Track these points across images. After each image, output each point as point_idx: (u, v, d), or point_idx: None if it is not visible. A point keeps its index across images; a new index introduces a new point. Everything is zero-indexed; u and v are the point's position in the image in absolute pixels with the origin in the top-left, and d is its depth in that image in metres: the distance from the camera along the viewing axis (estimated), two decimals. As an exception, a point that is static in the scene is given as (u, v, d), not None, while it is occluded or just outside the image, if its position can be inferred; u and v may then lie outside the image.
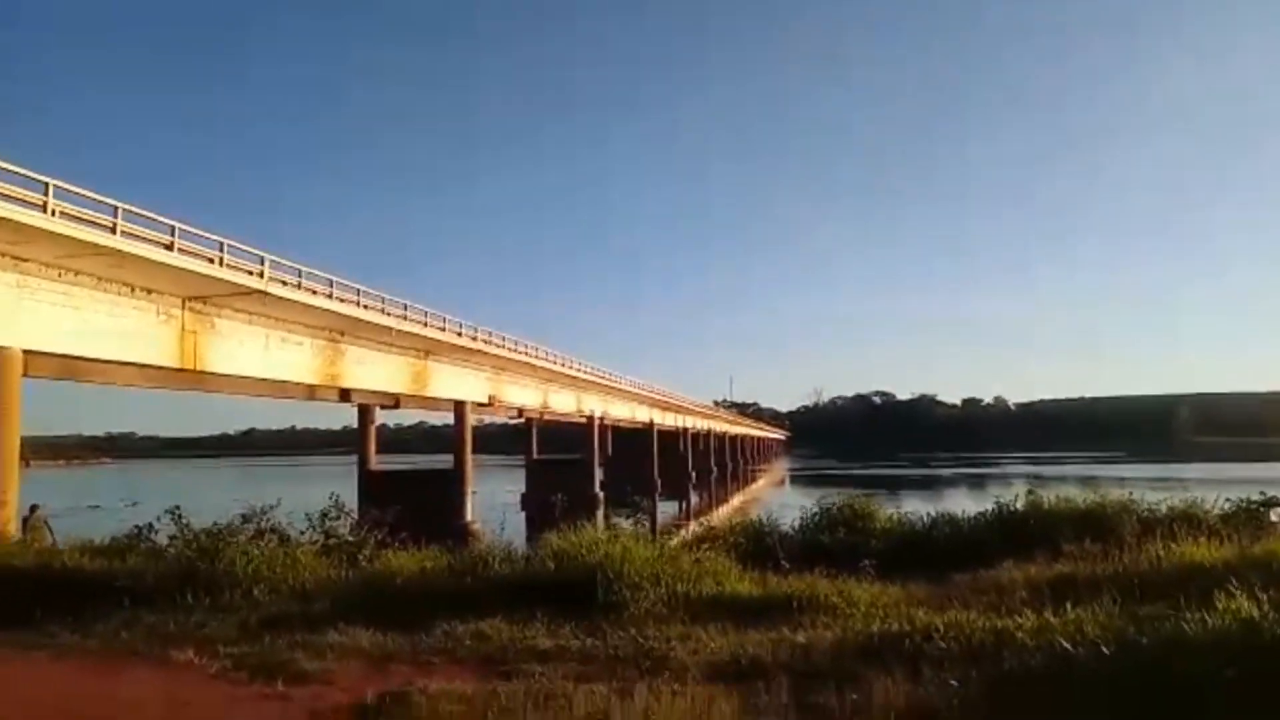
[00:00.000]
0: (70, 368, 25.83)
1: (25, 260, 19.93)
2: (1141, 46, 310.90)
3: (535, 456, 67.55)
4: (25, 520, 18.69)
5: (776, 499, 70.54)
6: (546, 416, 62.04)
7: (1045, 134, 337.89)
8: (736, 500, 77.62)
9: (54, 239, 18.86)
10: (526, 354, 46.00)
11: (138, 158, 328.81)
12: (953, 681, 5.57)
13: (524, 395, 52.48)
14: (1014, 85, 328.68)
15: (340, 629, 7.78)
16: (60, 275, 20.96)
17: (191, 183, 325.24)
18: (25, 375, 22.99)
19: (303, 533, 11.66)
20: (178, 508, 10.90)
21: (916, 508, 15.81)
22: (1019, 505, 13.45)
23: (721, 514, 62.35)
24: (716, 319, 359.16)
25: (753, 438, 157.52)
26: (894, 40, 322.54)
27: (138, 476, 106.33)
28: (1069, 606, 6.84)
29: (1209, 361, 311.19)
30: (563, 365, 52.21)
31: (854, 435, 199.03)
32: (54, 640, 7.94)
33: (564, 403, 60.08)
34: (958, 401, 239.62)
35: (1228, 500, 13.37)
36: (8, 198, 17.87)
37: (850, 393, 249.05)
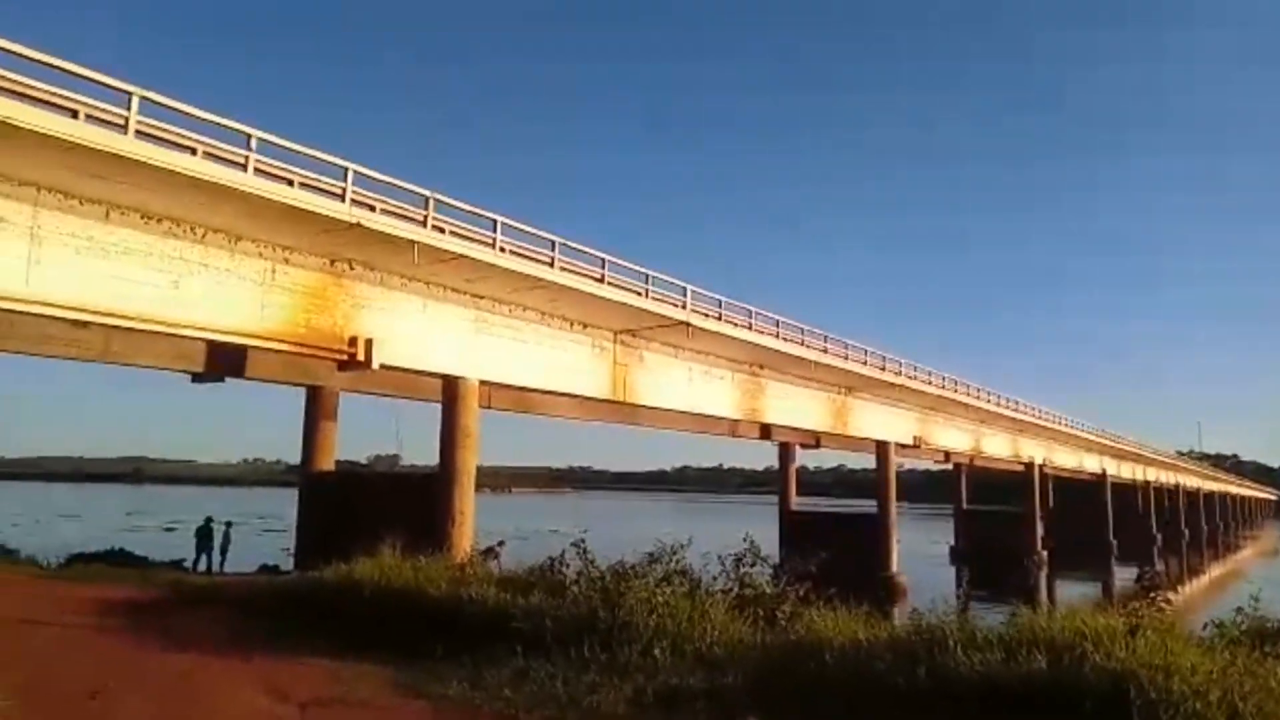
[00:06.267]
0: (523, 401, 28.09)
1: (481, 297, 21.60)
2: None
3: (965, 506, 61.67)
4: (488, 549, 19.68)
5: (1270, 574, 56.21)
6: (977, 462, 56.34)
7: None
8: (1214, 571, 63.62)
9: (504, 275, 20.08)
10: (957, 392, 41.79)
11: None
12: None
13: (953, 437, 47.95)
14: None
15: (753, 724, 5.85)
16: (510, 311, 22.46)
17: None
18: (489, 408, 25.23)
19: (714, 578, 10.07)
20: (583, 541, 9.92)
21: None
22: None
23: (1196, 587, 51.22)
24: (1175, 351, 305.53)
25: (1232, 496, 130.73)
26: None
27: (590, 504, 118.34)
28: None
29: None
30: (999, 405, 46.79)
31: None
32: (443, 688, 7.12)
33: (998, 447, 54.00)
34: None
35: None
36: (466, 238, 19.35)
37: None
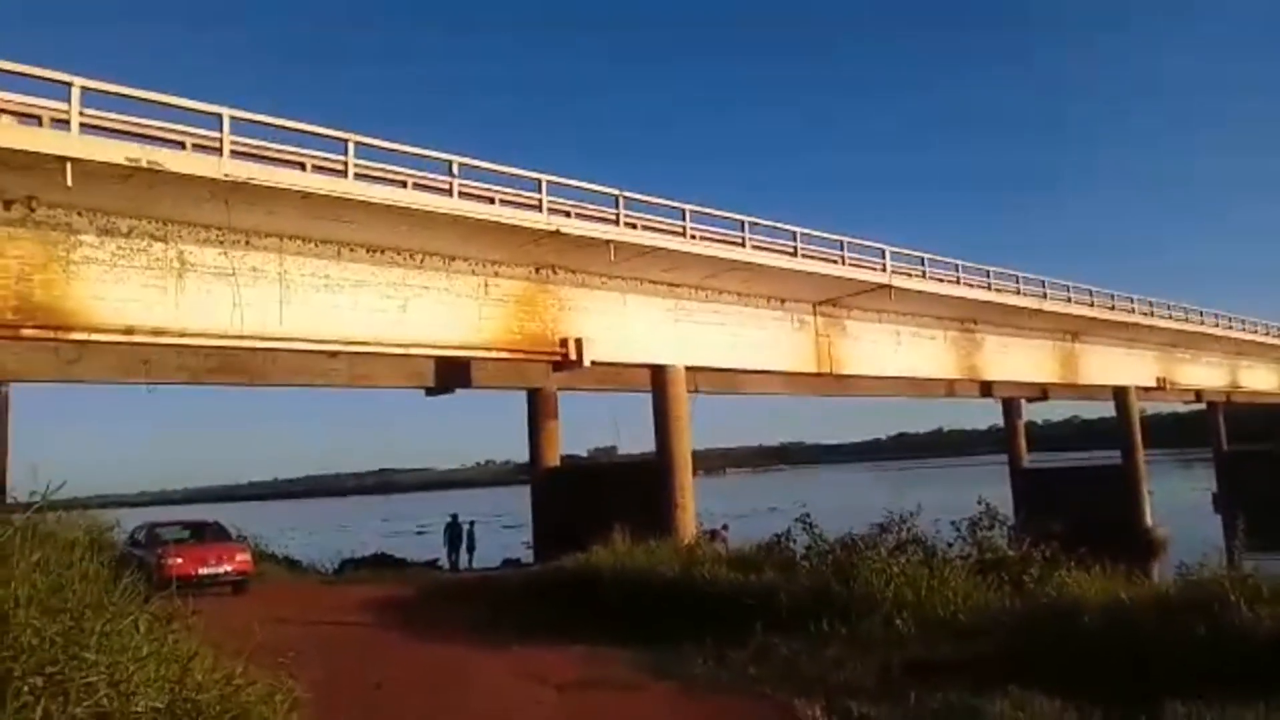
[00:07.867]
0: (730, 381, 28.21)
1: (678, 286, 21.89)
2: None
3: (1226, 448, 55.50)
4: (712, 531, 20.01)
5: None
6: (1235, 398, 50.47)
7: None
8: None
9: (699, 261, 20.28)
10: (1204, 323, 37.66)
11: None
12: None
13: (1203, 374, 43.25)
14: None
15: (1013, 694, 5.60)
16: (706, 296, 22.62)
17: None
18: (696, 392, 25.57)
19: (949, 545, 9.71)
20: (808, 515, 9.87)
21: None
22: None
23: None
24: None
25: None
26: None
27: (805, 480, 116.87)
28: None
29: None
30: (1259, 333, 41.75)
31: None
32: (685, 668, 7.34)
33: (1262, 379, 48.17)
34: None
35: None
36: (657, 229, 19.69)
37: None
